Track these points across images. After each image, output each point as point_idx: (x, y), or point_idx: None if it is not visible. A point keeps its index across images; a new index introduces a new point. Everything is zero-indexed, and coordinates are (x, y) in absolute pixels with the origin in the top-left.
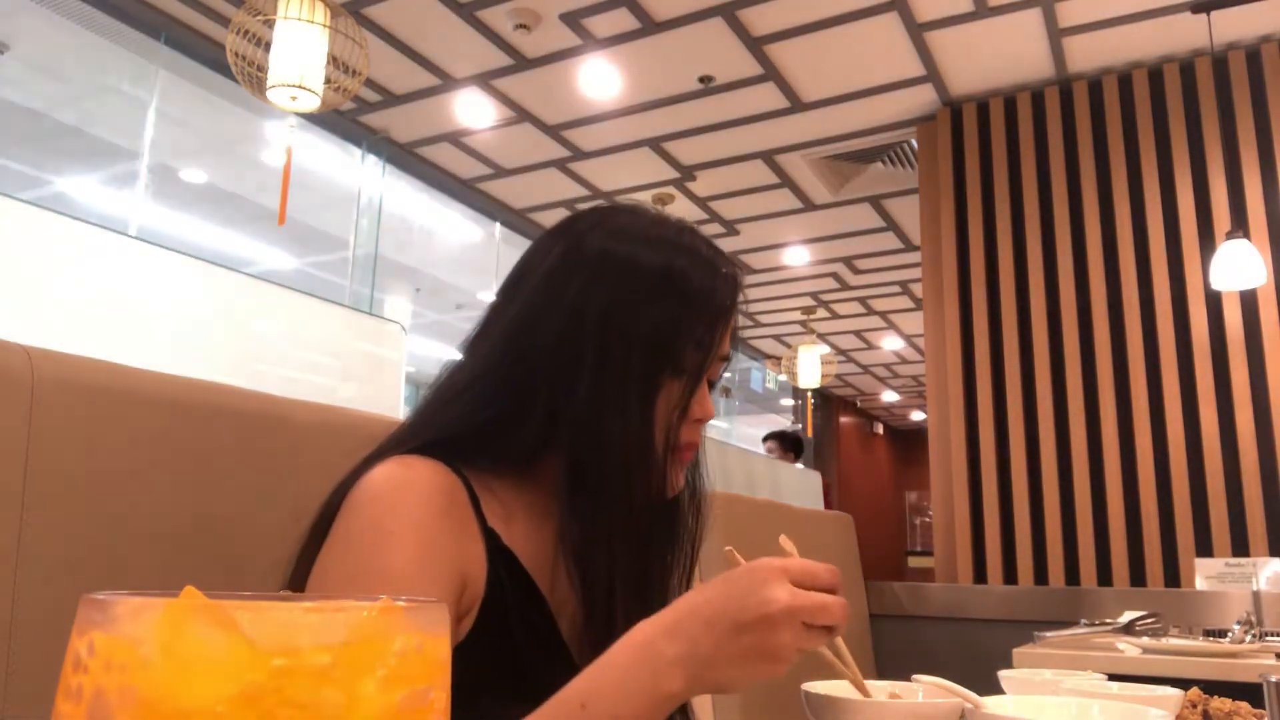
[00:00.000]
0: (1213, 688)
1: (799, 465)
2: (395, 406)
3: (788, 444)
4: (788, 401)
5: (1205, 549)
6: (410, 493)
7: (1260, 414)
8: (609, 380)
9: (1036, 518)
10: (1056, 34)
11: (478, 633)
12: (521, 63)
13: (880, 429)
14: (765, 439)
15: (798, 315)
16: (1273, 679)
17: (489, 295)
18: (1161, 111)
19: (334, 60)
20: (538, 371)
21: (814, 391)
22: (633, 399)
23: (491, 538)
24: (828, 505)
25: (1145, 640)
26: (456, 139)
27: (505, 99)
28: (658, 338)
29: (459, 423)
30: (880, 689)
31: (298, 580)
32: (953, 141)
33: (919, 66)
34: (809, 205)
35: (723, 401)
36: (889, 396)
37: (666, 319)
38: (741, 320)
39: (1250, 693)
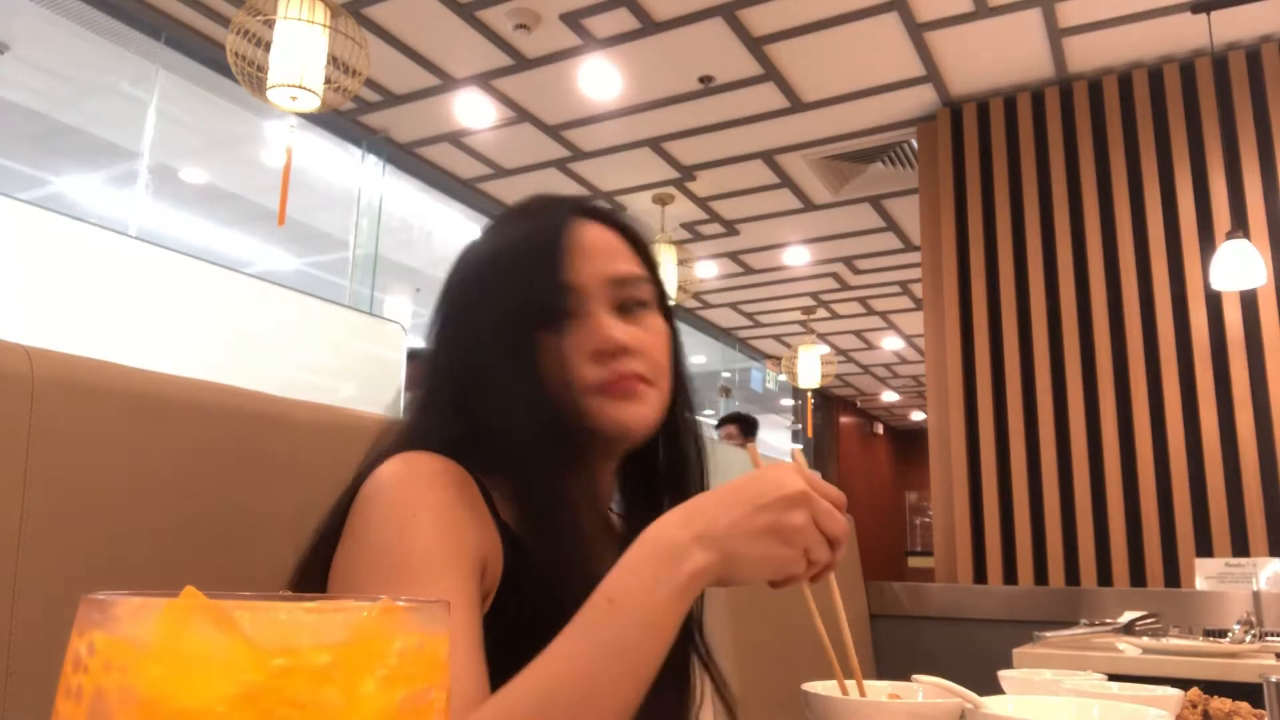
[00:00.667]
0: (1213, 688)
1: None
2: (395, 406)
3: (748, 428)
4: (788, 401)
5: (1205, 549)
6: (424, 479)
7: (1260, 414)
8: (501, 369)
9: (1036, 518)
10: (1056, 34)
11: (496, 612)
12: (521, 63)
13: (880, 429)
14: (722, 423)
15: (798, 315)
16: (1273, 679)
17: None
18: (1161, 111)
19: (334, 60)
20: (462, 387)
21: (814, 391)
22: (524, 371)
23: (504, 528)
24: None
25: (1145, 640)
26: (456, 139)
27: (505, 99)
28: (507, 301)
29: (445, 430)
30: (879, 689)
31: (307, 581)
32: (953, 142)
33: (919, 67)
34: (809, 205)
35: (722, 401)
36: (889, 396)
37: (505, 281)
38: (741, 320)
39: (1250, 693)
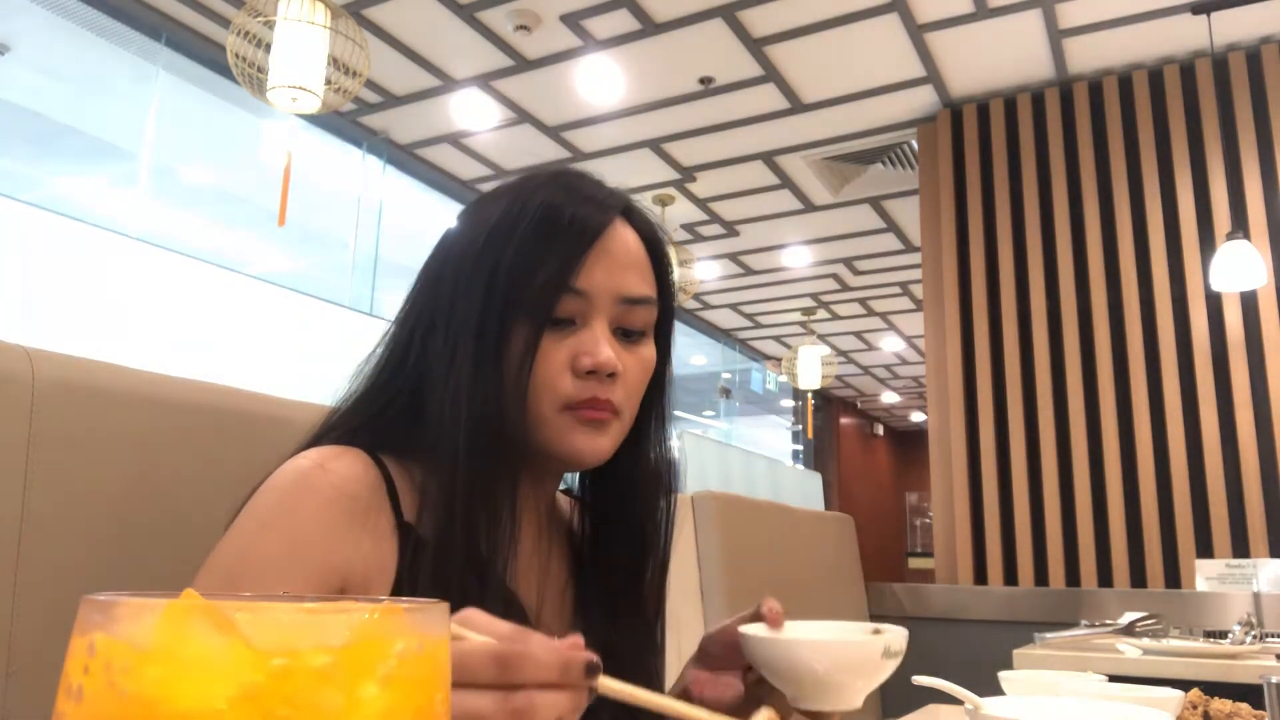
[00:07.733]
0: (1213, 689)
1: (800, 466)
2: None
3: None
4: (788, 402)
5: (1206, 550)
6: (301, 489)
7: (1260, 415)
8: (482, 351)
9: (1037, 518)
10: (1057, 35)
11: None
12: (522, 64)
13: (880, 430)
14: None
15: (798, 316)
16: (1273, 680)
17: None
18: (1161, 112)
19: (334, 61)
20: (419, 357)
21: (814, 393)
22: (500, 361)
23: (406, 531)
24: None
25: (1146, 641)
26: (456, 140)
27: (505, 100)
28: (511, 285)
29: (377, 409)
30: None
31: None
32: (953, 142)
33: (919, 67)
34: (809, 206)
35: (723, 403)
36: (889, 397)
37: (518, 262)
38: (742, 321)
39: (1251, 694)
